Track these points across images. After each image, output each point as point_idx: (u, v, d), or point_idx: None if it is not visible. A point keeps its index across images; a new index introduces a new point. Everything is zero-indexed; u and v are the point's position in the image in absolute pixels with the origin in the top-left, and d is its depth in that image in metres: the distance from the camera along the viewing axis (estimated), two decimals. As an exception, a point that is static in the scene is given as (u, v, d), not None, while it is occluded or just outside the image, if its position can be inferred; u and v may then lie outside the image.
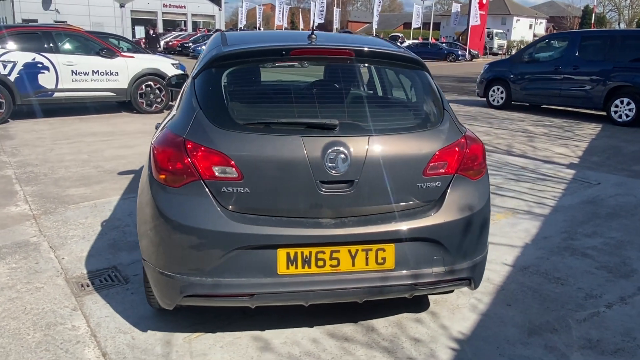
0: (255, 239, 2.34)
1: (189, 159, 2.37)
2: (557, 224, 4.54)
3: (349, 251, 2.43)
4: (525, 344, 2.76)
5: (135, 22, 46.88)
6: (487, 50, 44.21)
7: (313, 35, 2.78)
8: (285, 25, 50.81)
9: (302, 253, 2.39)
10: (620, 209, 4.97)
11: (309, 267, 2.41)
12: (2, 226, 4.28)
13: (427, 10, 57.88)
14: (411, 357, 2.63)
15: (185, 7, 50.00)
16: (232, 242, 2.34)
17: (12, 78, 8.81)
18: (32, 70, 8.97)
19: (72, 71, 9.37)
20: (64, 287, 3.27)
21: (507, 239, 4.19)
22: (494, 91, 12.32)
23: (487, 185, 2.73)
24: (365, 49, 2.77)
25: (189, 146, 2.39)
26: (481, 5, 36.72)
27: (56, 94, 9.31)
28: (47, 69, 9.13)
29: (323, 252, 2.41)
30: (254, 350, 2.67)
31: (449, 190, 2.56)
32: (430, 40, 45.11)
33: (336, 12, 52.25)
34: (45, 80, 9.13)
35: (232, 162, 2.35)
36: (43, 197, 5.02)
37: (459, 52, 37.45)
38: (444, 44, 41.20)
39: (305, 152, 2.36)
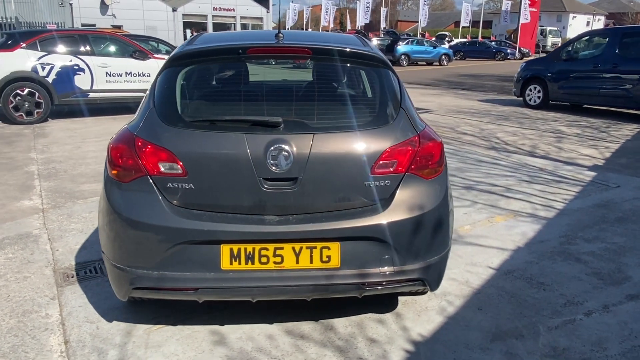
0: (199, 234, 2.39)
1: (137, 155, 2.45)
2: (558, 228, 4.35)
3: (293, 248, 2.44)
4: (484, 350, 2.67)
5: (186, 25, 48.25)
6: (540, 49, 42.67)
7: (280, 34, 2.80)
8: (332, 25, 50.94)
9: (245, 249, 2.42)
10: (632, 214, 4.71)
11: (252, 263, 2.43)
12: (11, 218, 4.53)
13: (479, 8, 56.60)
14: (362, 358, 2.60)
15: (234, 10, 50.98)
16: (175, 237, 2.39)
17: (50, 79, 9.29)
18: (68, 72, 9.42)
19: (107, 73, 9.78)
20: (50, 278, 3.43)
21: (500, 241, 4.06)
22: (530, 90, 11.91)
23: (444, 185, 2.66)
24: (324, 47, 2.77)
25: (138, 143, 2.46)
26: (532, 2, 35.53)
27: (91, 95, 9.74)
28: (82, 70, 9.56)
29: (266, 249, 2.43)
30: (208, 344, 2.71)
31: (398, 190, 2.52)
32: (478, 38, 44.03)
33: (383, 11, 51.87)
34: (81, 81, 9.57)
35: (177, 158, 2.41)
36: (56, 192, 5.27)
37: (508, 51, 36.39)
38: (492, 43, 40.11)
39: (248, 149, 2.39)
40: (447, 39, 44.70)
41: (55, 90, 9.35)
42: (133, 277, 2.47)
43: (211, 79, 2.89)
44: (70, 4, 41.27)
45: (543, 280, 3.42)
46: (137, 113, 2.77)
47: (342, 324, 2.90)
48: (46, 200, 5.04)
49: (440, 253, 2.65)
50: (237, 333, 2.81)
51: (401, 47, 29.36)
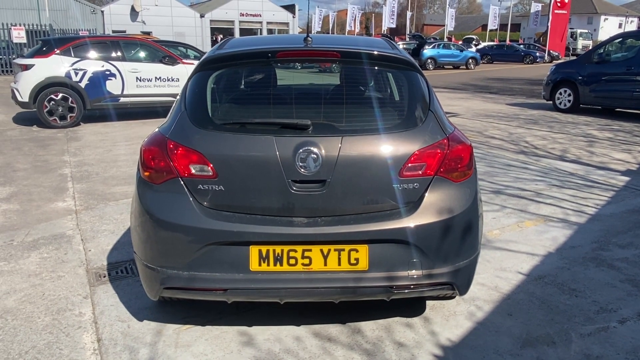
0: (228, 235, 2.42)
1: (169, 158, 2.49)
2: (590, 233, 4.26)
3: (321, 250, 2.45)
4: (514, 356, 2.63)
5: (214, 31, 48.91)
6: (570, 52, 41.87)
7: (309, 38, 2.83)
8: (357, 30, 50.93)
9: (274, 251, 2.44)
10: (668, 220, 4.58)
11: (281, 265, 2.45)
12: (46, 219, 4.66)
13: (506, 11, 55.84)
14: (390, 361, 2.60)
15: (260, 16, 51.48)
16: (205, 238, 2.43)
17: (82, 85, 9.53)
18: (100, 77, 9.65)
19: (137, 78, 9.98)
20: (83, 277, 3.52)
21: (530, 246, 3.99)
22: (560, 94, 11.69)
23: (473, 188, 2.63)
24: (352, 50, 2.78)
25: (170, 145, 2.51)
26: (562, 4, 34.92)
27: (122, 99, 9.95)
28: (114, 76, 9.78)
29: (295, 251, 2.44)
30: (237, 344, 2.74)
31: (427, 193, 2.51)
32: (506, 41, 43.45)
33: (409, 15, 51.66)
34: (113, 86, 9.78)
35: (208, 160, 2.44)
36: (89, 194, 5.40)
37: (537, 54, 35.78)
38: (521, 46, 39.51)
39: (277, 151, 2.41)
40: (474, 42, 44.24)
41: (87, 95, 9.58)
42: (164, 277, 2.51)
43: (241, 82, 2.93)
44: (102, 12, 42.29)
45: (575, 287, 3.35)
46: (168, 116, 2.82)
47: (370, 327, 2.89)
48: (79, 201, 5.16)
49: (469, 257, 2.63)
50: (265, 334, 2.83)
51: (428, 51, 29.18)
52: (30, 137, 8.69)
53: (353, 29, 49.30)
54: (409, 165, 2.48)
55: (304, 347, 2.71)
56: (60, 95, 9.39)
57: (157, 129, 2.75)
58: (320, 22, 52.87)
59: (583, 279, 3.46)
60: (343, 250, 2.45)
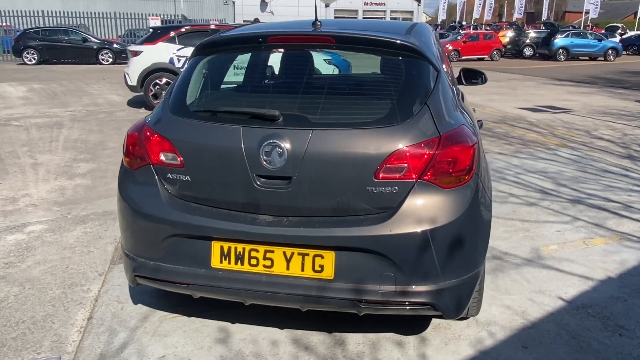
0: (189, 228, 2.32)
1: (143, 144, 2.45)
2: (674, 260, 3.52)
3: (284, 253, 2.25)
4: (507, 398, 2.23)
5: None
6: None
7: (317, 22, 2.63)
8: (487, 17, 48.22)
9: (235, 248, 2.30)
10: None
11: (242, 264, 2.30)
12: (107, 196, 4.95)
13: (664, -5, 49.22)
14: (359, 382, 2.34)
15: (384, 4, 50.93)
16: (168, 229, 2.35)
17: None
18: (200, 63, 10.11)
19: (234, 65, 10.29)
20: (109, 255, 3.66)
21: (587, 268, 3.40)
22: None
23: (469, 196, 2.24)
24: (349, 35, 2.51)
25: (146, 132, 2.47)
26: None
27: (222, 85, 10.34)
28: (212, 62, 10.19)
29: (257, 251, 2.28)
30: (211, 340, 2.65)
31: (407, 199, 2.19)
32: (660, 30, 38.29)
33: (546, 1, 47.66)
34: (211, 72, 10.21)
35: (176, 149, 2.36)
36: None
37: (698, 45, 31.07)
38: (677, 35, 34.55)
39: (242, 143, 2.25)
40: (619, 31, 39.62)
41: (187, 80, 10.09)
42: (135, 265, 2.49)
43: (228, 68, 2.81)
44: (233, 2, 44.62)
45: (624, 324, 2.78)
46: None
47: (355, 341, 2.64)
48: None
49: (460, 276, 2.26)
50: (243, 334, 2.70)
51: (559, 40, 26.69)
52: (134, 118, 9.37)
53: (481, 16, 46.74)
54: (386, 166, 2.18)
55: (275, 354, 2.54)
56: (164, 80, 10.02)
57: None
58: (445, 10, 50.83)
59: (638, 314, 2.86)
60: (307, 255, 2.23)
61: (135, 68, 10.01)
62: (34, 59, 21.36)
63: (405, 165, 2.18)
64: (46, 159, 6.27)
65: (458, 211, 2.21)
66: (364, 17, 50.83)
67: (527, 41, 28.96)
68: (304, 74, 2.54)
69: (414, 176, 2.18)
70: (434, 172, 2.19)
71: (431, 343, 2.62)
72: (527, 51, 28.77)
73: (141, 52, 10.01)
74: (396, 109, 2.28)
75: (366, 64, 2.90)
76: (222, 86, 2.72)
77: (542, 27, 36.35)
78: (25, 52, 21.31)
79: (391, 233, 2.15)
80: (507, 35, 30.55)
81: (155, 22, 24.67)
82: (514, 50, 29.31)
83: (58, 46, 21.61)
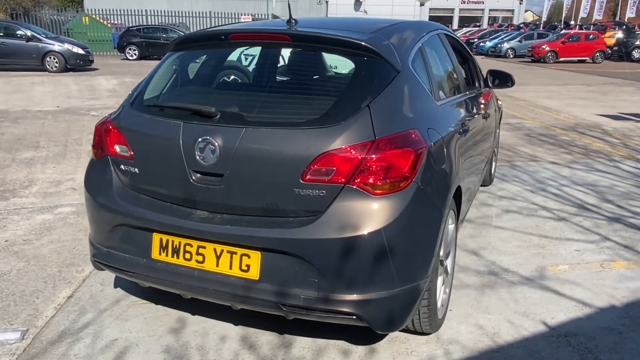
0: (133, 218, 2.40)
1: (103, 136, 2.57)
2: (702, 293, 3.07)
3: (215, 250, 2.26)
4: (432, 423, 2.08)
5: (432, 19, 48.35)
6: None
7: (292, 21, 2.63)
8: (596, 17, 44.75)
9: (172, 242, 2.34)
10: None
11: (177, 257, 2.34)
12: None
13: None
14: (286, 387, 2.29)
15: (483, 3, 48.99)
16: (116, 218, 2.45)
17: (250, 69, 10.35)
18: (266, 61, 10.37)
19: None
20: (115, 239, 3.87)
21: (591, 294, 3.07)
22: None
23: (401, 205, 2.10)
24: (304, 33, 2.46)
25: (108, 125, 2.58)
26: None
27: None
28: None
29: (190, 245, 2.31)
30: (165, 329, 2.72)
31: (333, 203, 2.10)
32: None
33: (667, 0, 43.23)
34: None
35: (127, 141, 2.45)
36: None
37: None
38: None
39: (181, 138, 2.29)
40: None
41: (253, 78, 10.39)
42: (95, 251, 2.62)
43: (191, 65, 2.85)
44: (327, 2, 45.16)
45: (606, 358, 2.47)
46: None
47: (302, 345, 2.59)
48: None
49: (389, 289, 2.14)
50: (198, 326, 2.75)
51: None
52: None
53: (589, 15, 43.43)
54: (313, 168, 2.11)
55: (218, 349, 2.56)
56: (231, 77, 10.37)
57: None
58: (547, 10, 47.78)
59: (628, 350, 2.53)
60: (235, 253, 2.23)
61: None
62: (135, 54, 23.07)
63: (334, 168, 2.10)
64: (103, 148, 6.75)
65: (386, 220, 2.08)
66: (460, 17, 49.27)
67: (638, 42, 26.55)
68: (255, 72, 2.53)
69: (342, 180, 2.10)
70: (364, 177, 2.09)
71: (379, 355, 2.50)
72: (637, 54, 26.39)
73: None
74: (334, 110, 2.20)
75: (340, 65, 2.83)
76: (175, 82, 2.76)
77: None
78: (127, 48, 23.08)
79: (312, 237, 2.08)
80: (615, 36, 28.22)
81: (246, 21, 25.62)
82: (621, 53, 26.98)
83: (157, 43, 23.14)
